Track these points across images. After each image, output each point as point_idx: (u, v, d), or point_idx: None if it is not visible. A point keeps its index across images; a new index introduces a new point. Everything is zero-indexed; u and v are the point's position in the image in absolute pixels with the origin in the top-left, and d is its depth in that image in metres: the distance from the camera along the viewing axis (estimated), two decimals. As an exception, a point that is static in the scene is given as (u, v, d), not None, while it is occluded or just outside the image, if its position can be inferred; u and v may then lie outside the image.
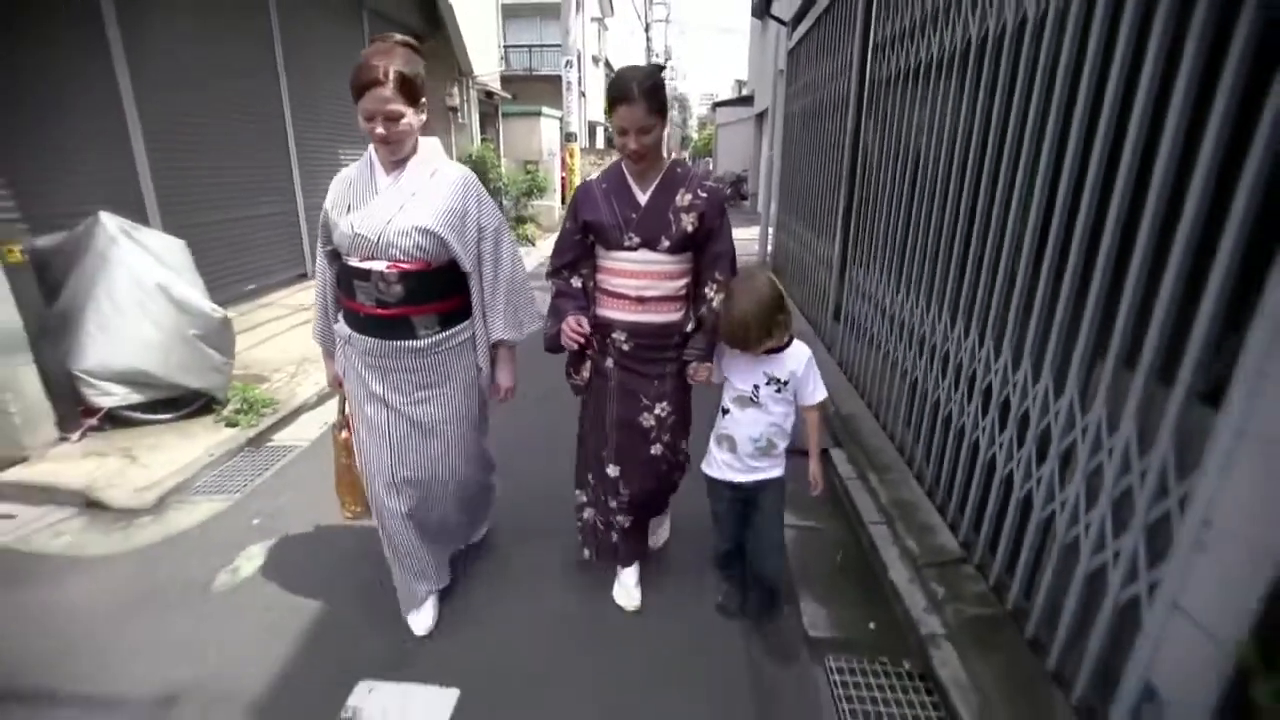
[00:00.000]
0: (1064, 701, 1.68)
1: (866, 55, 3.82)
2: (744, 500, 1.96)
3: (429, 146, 1.78)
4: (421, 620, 2.03)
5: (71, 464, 2.96)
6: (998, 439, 2.12)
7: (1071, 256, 1.77)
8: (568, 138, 11.75)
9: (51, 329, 3.11)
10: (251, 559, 2.39)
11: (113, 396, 3.27)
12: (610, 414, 1.98)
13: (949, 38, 2.58)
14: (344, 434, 2.03)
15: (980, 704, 1.75)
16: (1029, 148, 1.98)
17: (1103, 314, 1.66)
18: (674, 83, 49.21)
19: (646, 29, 27.32)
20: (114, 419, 3.32)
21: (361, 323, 1.77)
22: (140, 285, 3.24)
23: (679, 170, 1.86)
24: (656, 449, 2.00)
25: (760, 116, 11.40)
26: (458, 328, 1.83)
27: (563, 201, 12.70)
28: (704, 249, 1.87)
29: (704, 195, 1.82)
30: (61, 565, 2.37)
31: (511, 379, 2.02)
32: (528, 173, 11.33)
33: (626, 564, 2.21)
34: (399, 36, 1.66)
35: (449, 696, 1.79)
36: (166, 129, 4.64)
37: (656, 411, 1.96)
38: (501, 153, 11.87)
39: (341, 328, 1.84)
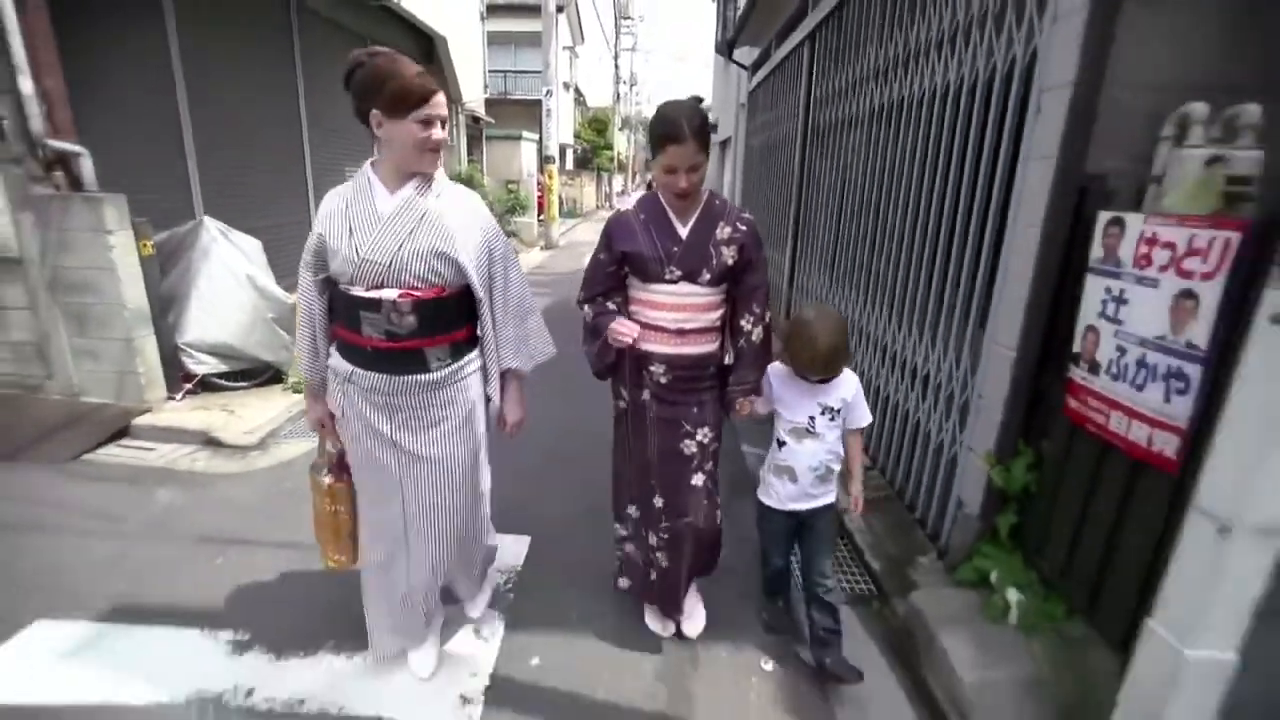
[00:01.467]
0: (922, 533, 2.65)
1: (809, 106, 4.88)
2: (799, 523, 2.04)
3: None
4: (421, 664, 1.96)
5: (185, 414, 3.71)
6: (890, 379, 3.12)
7: (927, 254, 2.77)
8: (546, 160, 12.71)
9: (160, 309, 3.87)
10: (355, 473, 3.21)
11: (205, 365, 4.03)
12: (651, 446, 1.94)
13: (863, 102, 3.63)
14: (327, 479, 1.85)
15: (873, 540, 2.71)
16: (913, 183, 3.00)
17: (941, 287, 2.66)
18: (639, 106, 50.85)
19: (615, 57, 28.68)
20: (204, 384, 4.07)
21: (366, 358, 1.63)
22: (234, 275, 4.03)
23: (717, 203, 1.86)
24: (699, 479, 1.95)
25: (723, 144, 12.53)
26: (468, 357, 1.75)
27: (540, 219, 13.62)
28: (740, 281, 1.87)
29: (743, 228, 1.83)
30: (209, 478, 3.16)
31: (520, 412, 1.90)
32: (510, 192, 12.23)
33: (669, 614, 2.17)
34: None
35: (524, 541, 2.66)
36: (212, 155, 5.42)
37: (699, 438, 1.93)
38: (485, 173, 12.75)
39: (340, 364, 1.68)
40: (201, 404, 3.89)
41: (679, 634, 2.19)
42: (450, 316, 1.68)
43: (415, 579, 1.83)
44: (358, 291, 1.59)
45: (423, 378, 1.66)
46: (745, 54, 8.49)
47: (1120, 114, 1.80)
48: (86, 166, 3.51)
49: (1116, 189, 1.81)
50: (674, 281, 1.82)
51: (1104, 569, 1.77)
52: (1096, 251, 1.76)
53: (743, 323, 1.89)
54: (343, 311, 1.65)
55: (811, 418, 1.89)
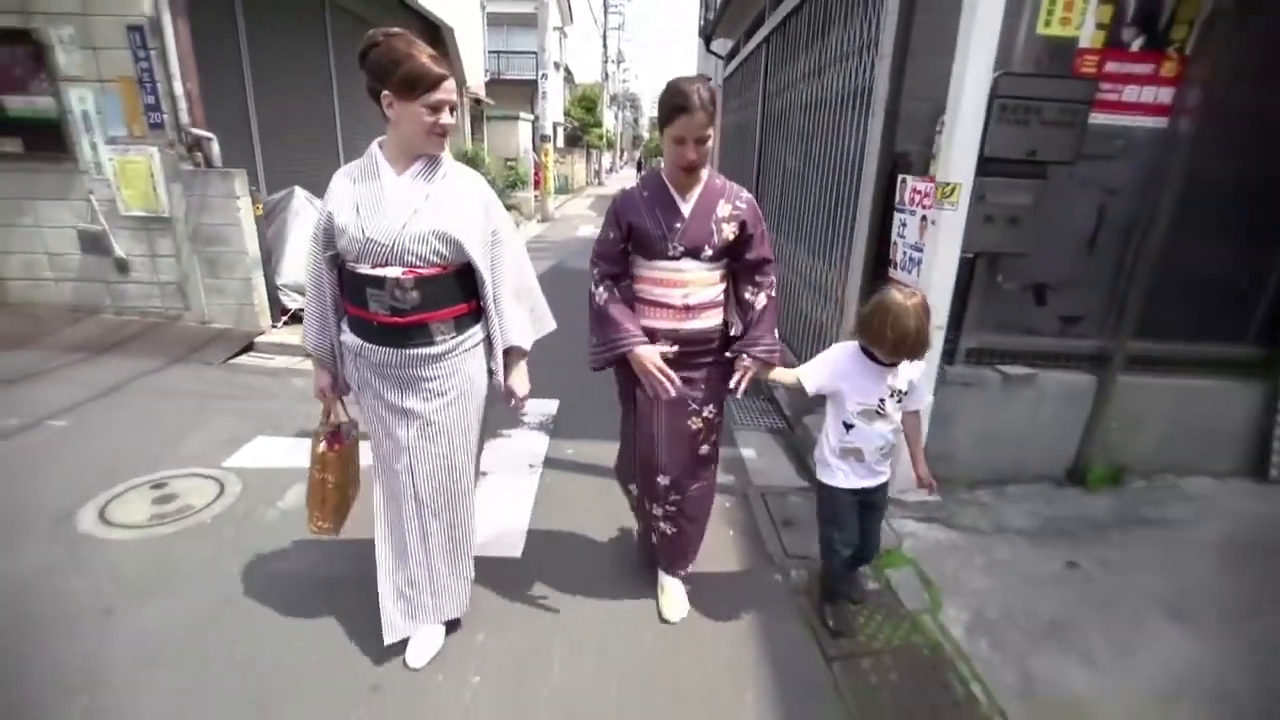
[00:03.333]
0: (822, 395, 3.96)
1: (765, 97, 6.09)
2: (863, 502, 2.07)
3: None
4: (420, 652, 1.95)
5: (289, 335, 4.93)
6: (807, 297, 4.39)
7: (830, 210, 4.03)
8: (543, 139, 13.79)
9: (264, 257, 5.07)
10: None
11: (297, 301, 5.23)
12: (659, 423, 1.99)
13: (798, 97, 4.85)
14: (321, 446, 1.92)
15: (789, 400, 4.01)
16: (823, 160, 4.24)
17: (836, 232, 3.91)
18: (626, 83, 51.46)
19: (604, 36, 29.47)
20: (295, 317, 5.27)
21: (374, 332, 1.71)
22: (317, 232, 5.22)
23: (718, 182, 1.91)
24: (705, 449, 2.06)
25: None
26: (471, 331, 1.81)
27: (536, 194, 14.74)
28: (742, 256, 1.92)
29: (743, 205, 1.90)
30: (324, 373, 4.39)
31: (526, 386, 1.96)
32: (510, 168, 13.33)
33: (670, 570, 2.25)
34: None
35: (552, 403, 3.92)
36: (269, 135, 6.53)
37: (704, 414, 2.01)
38: (486, 150, 13.83)
39: (350, 339, 1.76)
40: (297, 330, 5.10)
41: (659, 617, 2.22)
42: (453, 292, 1.75)
43: (420, 552, 1.89)
44: (363, 269, 1.66)
45: (427, 350, 1.72)
46: (721, 45, 9.62)
47: (913, 116, 3.05)
48: (214, 148, 4.67)
49: (912, 161, 3.07)
50: (677, 258, 1.88)
51: (899, 381, 3.07)
52: (897, 199, 3.03)
53: (747, 295, 1.96)
54: (351, 288, 1.72)
55: (882, 400, 1.93)
